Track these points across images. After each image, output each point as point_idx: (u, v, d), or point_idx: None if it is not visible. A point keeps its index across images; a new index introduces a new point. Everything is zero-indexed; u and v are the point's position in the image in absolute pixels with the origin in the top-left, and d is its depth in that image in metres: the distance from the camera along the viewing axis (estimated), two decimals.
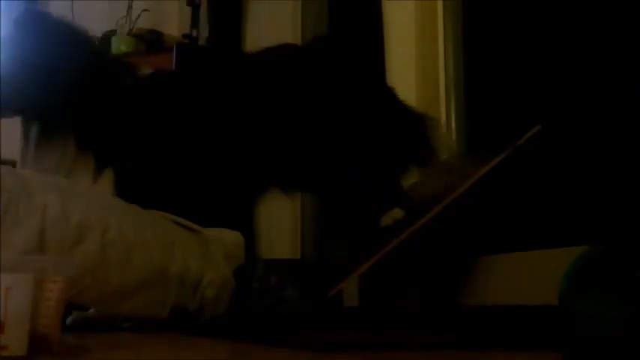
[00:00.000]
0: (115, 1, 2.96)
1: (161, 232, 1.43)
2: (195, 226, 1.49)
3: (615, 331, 0.70)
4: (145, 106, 1.74)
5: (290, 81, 1.76)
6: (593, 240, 0.78)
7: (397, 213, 1.70)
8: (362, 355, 1.00)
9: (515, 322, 1.42)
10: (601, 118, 1.52)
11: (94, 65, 1.77)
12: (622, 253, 0.74)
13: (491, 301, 1.58)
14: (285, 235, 2.49)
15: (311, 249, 2.46)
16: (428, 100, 2.09)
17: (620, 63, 1.51)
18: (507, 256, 1.57)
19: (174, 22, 2.99)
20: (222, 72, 1.80)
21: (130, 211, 1.43)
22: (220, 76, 1.80)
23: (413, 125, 1.78)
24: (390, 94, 1.81)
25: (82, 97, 1.68)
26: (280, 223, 2.39)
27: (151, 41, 2.86)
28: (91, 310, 1.43)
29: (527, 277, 1.50)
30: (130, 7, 2.95)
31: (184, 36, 2.82)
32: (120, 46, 2.81)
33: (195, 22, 2.81)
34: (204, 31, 2.83)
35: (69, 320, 1.37)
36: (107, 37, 2.81)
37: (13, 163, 1.74)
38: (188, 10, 2.84)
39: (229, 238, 1.52)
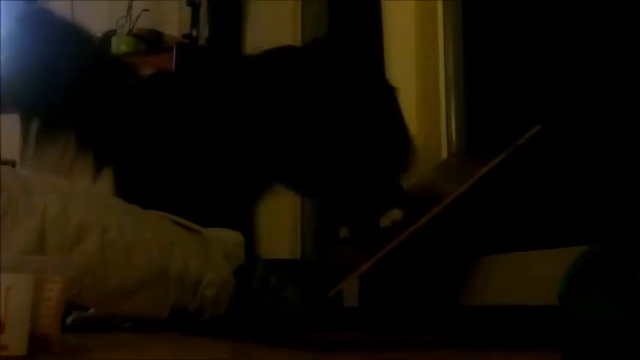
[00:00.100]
0: (114, 1, 2.96)
1: (161, 232, 1.43)
2: (195, 226, 1.49)
3: (615, 331, 0.70)
4: (146, 106, 1.74)
5: (290, 82, 1.76)
6: (593, 240, 0.78)
7: (396, 214, 1.70)
8: (362, 355, 1.00)
9: (515, 322, 1.42)
10: (601, 118, 1.52)
11: (96, 64, 1.77)
12: (622, 253, 0.74)
13: (491, 301, 1.58)
14: (285, 235, 2.49)
15: (311, 249, 2.46)
16: (428, 100, 2.10)
17: (620, 63, 1.51)
18: (507, 256, 1.57)
19: (174, 22, 2.99)
20: (223, 73, 1.80)
21: (129, 211, 1.43)
22: (221, 76, 1.80)
23: (401, 129, 1.79)
24: (390, 95, 1.81)
25: (84, 95, 1.68)
26: (280, 223, 2.39)
27: (150, 41, 2.86)
28: (91, 310, 1.43)
29: (527, 277, 1.50)
30: (129, 7, 2.95)
31: (184, 36, 2.82)
32: (120, 46, 2.81)
33: (195, 22, 2.81)
34: (204, 31, 2.83)
35: (69, 320, 1.37)
36: (107, 37, 2.81)
37: (12, 163, 1.74)
38: (188, 10, 2.84)
39: (229, 238, 1.52)
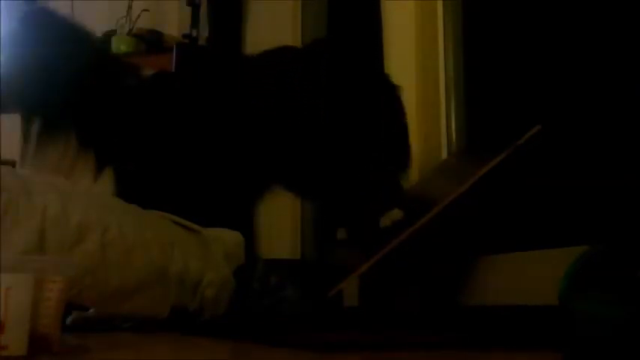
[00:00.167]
0: (114, 1, 2.96)
1: (161, 233, 1.43)
2: (195, 226, 1.49)
3: (615, 331, 0.70)
4: (147, 106, 1.74)
5: (290, 83, 1.76)
6: (593, 240, 0.78)
7: (396, 214, 1.70)
8: (362, 355, 1.00)
9: (515, 322, 1.42)
10: (601, 119, 1.52)
11: (97, 65, 1.77)
12: (622, 253, 0.74)
13: (491, 301, 1.58)
14: (285, 235, 2.49)
15: (311, 249, 2.46)
16: (428, 100, 2.09)
17: (620, 63, 1.51)
18: (507, 256, 1.57)
19: (174, 22, 2.99)
20: (223, 74, 1.80)
21: (129, 211, 1.43)
22: (221, 77, 1.80)
23: (402, 129, 1.79)
24: (391, 94, 1.81)
25: (85, 95, 1.68)
26: (280, 223, 2.39)
27: (150, 41, 2.86)
28: (91, 310, 1.43)
29: (527, 277, 1.50)
30: (129, 7, 2.94)
31: (184, 36, 2.82)
32: (120, 46, 2.81)
33: (195, 22, 2.81)
34: (204, 31, 2.83)
35: (69, 320, 1.37)
36: (107, 37, 2.81)
37: (12, 163, 1.74)
38: (188, 10, 2.84)
39: (229, 238, 1.52)
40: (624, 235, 0.75)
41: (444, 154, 2.04)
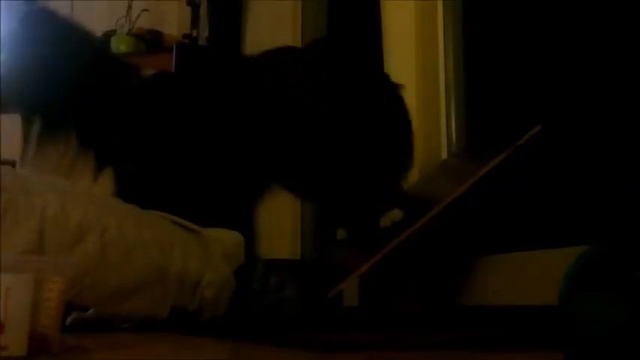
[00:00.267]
0: (114, 1, 2.96)
1: (161, 233, 1.42)
2: (195, 227, 1.49)
3: (615, 331, 0.70)
4: (148, 106, 1.74)
5: (290, 83, 1.76)
6: (593, 240, 0.78)
7: (396, 214, 1.70)
8: (362, 355, 1.00)
9: (515, 322, 1.42)
10: (601, 119, 1.52)
11: (98, 65, 1.77)
12: (622, 253, 0.74)
13: (491, 302, 1.58)
14: (285, 235, 2.49)
15: (311, 249, 2.46)
16: (428, 100, 2.09)
17: (620, 63, 1.51)
18: (507, 256, 1.57)
19: (174, 22, 2.99)
20: (224, 74, 1.80)
21: (129, 211, 1.43)
22: (221, 78, 1.80)
23: (404, 128, 1.79)
24: (392, 93, 1.81)
25: (86, 95, 1.68)
26: (280, 223, 2.39)
27: (150, 41, 2.86)
28: (91, 311, 1.43)
29: (527, 277, 1.50)
30: (129, 7, 2.95)
31: (184, 36, 2.82)
32: (119, 46, 2.81)
33: (195, 22, 2.82)
34: (204, 31, 2.83)
35: (68, 321, 1.37)
36: (107, 37, 2.81)
37: (12, 163, 1.73)
38: (188, 10, 2.84)
39: (229, 238, 1.51)
40: (624, 235, 0.74)
41: (444, 154, 2.04)
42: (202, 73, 1.87)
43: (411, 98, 1.90)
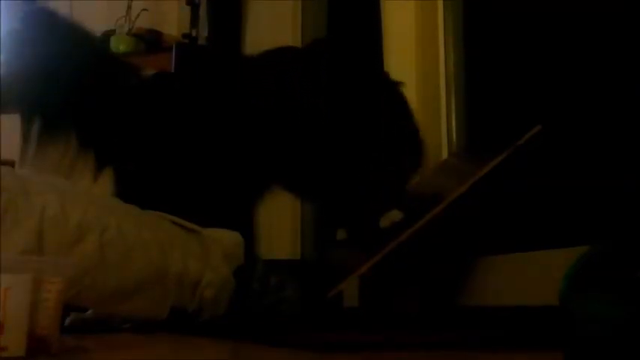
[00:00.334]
0: (114, 1, 2.96)
1: (160, 233, 1.42)
2: (195, 227, 1.48)
3: (615, 331, 0.69)
4: (148, 106, 1.74)
5: (290, 83, 1.76)
6: (594, 240, 0.78)
7: (396, 215, 1.69)
8: (362, 355, 0.99)
9: (515, 322, 1.41)
10: (601, 119, 1.51)
11: (98, 64, 1.77)
12: (622, 253, 0.74)
13: (491, 302, 1.58)
14: (285, 235, 2.49)
15: (311, 249, 2.46)
16: (428, 99, 2.09)
17: (620, 63, 1.50)
18: (507, 256, 1.57)
19: (173, 22, 2.99)
20: (224, 74, 1.80)
21: (129, 211, 1.43)
22: (221, 78, 1.79)
23: (408, 126, 1.78)
24: (393, 91, 1.80)
25: (86, 95, 1.68)
26: (280, 223, 2.39)
27: (150, 41, 2.86)
28: (90, 311, 1.43)
29: (527, 277, 1.50)
30: (129, 7, 2.95)
31: (184, 36, 2.82)
32: (119, 45, 2.81)
33: (194, 21, 2.82)
34: (203, 31, 2.83)
35: (67, 321, 1.37)
36: (106, 36, 2.81)
37: (12, 163, 1.73)
38: (187, 9, 2.84)
39: (229, 238, 1.51)
40: (624, 235, 0.74)
41: (444, 154, 2.04)
42: (202, 73, 1.87)
43: (411, 98, 1.90)
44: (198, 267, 1.42)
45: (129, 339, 1.29)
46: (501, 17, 1.91)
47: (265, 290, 1.52)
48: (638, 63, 1.45)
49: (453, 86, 2.10)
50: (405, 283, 1.69)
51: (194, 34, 2.81)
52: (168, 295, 1.39)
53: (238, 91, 1.78)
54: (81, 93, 1.68)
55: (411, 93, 1.92)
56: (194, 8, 2.83)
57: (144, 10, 2.95)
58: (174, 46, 2.61)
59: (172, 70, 2.47)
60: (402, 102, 1.80)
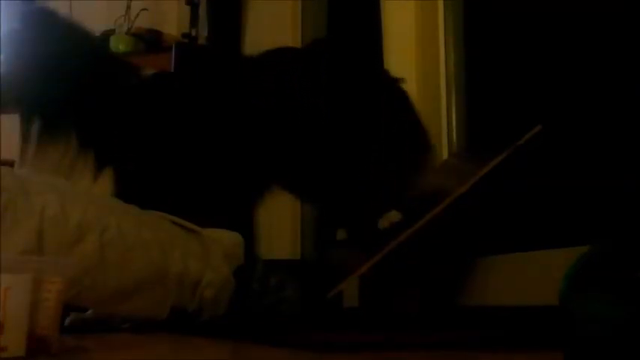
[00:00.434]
0: (113, 1, 2.96)
1: (160, 233, 1.42)
2: (195, 227, 1.48)
3: (615, 331, 0.69)
4: (148, 106, 1.74)
5: (290, 83, 1.76)
6: (594, 240, 0.78)
7: (394, 215, 1.69)
8: (362, 355, 0.99)
9: (515, 322, 1.41)
10: (602, 119, 1.51)
11: (98, 64, 1.77)
12: (622, 253, 0.74)
13: (491, 302, 1.58)
14: (285, 235, 2.49)
15: (311, 249, 2.46)
16: (428, 99, 2.09)
17: (620, 63, 1.50)
18: (507, 256, 1.57)
19: (173, 22, 2.99)
20: (223, 74, 1.80)
21: (129, 211, 1.43)
22: (221, 78, 1.79)
23: (412, 118, 1.78)
24: (394, 89, 1.80)
25: (86, 95, 1.68)
26: (280, 223, 2.39)
27: (149, 40, 2.86)
28: (90, 311, 1.43)
29: (527, 277, 1.50)
30: (128, 7, 2.95)
31: (183, 35, 2.82)
32: (118, 45, 2.81)
33: (194, 21, 2.81)
34: (203, 31, 2.83)
35: (67, 321, 1.37)
36: (106, 36, 2.81)
37: (11, 164, 1.73)
38: (187, 9, 2.84)
39: (229, 238, 1.51)
40: (624, 235, 0.74)
41: (444, 154, 2.04)
42: (202, 73, 1.87)
43: (411, 98, 1.90)
44: (198, 267, 1.42)
45: (129, 339, 1.29)
46: (501, 17, 1.91)
47: (265, 290, 1.52)
48: (638, 63, 1.45)
49: (453, 86, 2.10)
50: (405, 283, 1.69)
51: (194, 33, 2.81)
52: (168, 295, 1.39)
53: (238, 90, 1.78)
54: (81, 93, 1.68)
55: (411, 93, 1.92)
56: (194, 8, 2.83)
57: (143, 9, 2.95)
58: (173, 45, 2.61)
59: (172, 70, 2.47)
60: (402, 99, 1.80)
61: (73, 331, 1.31)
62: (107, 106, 1.70)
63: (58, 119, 1.67)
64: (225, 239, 1.50)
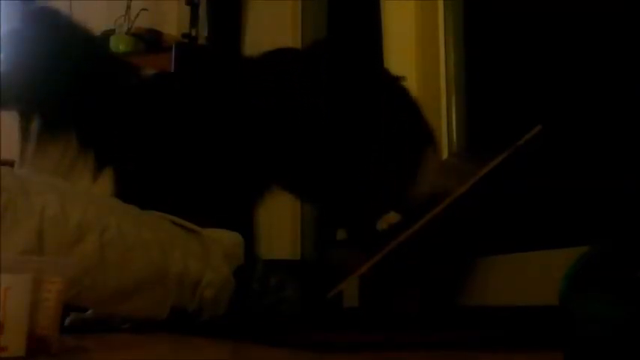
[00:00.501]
0: (113, 1, 2.96)
1: (161, 233, 1.42)
2: (195, 227, 1.48)
3: (615, 331, 0.69)
4: (148, 106, 1.74)
5: (290, 84, 1.76)
6: (594, 240, 0.78)
7: (393, 217, 1.70)
8: (362, 355, 0.99)
9: (515, 322, 1.41)
10: (601, 119, 1.51)
11: (100, 64, 1.77)
12: (622, 253, 0.74)
13: (491, 302, 1.58)
14: (285, 235, 2.49)
15: (311, 249, 2.46)
16: (428, 99, 2.09)
17: (621, 63, 1.50)
18: (507, 256, 1.57)
19: (173, 22, 2.99)
20: (223, 74, 1.80)
21: (129, 211, 1.43)
22: (222, 78, 1.80)
23: (413, 114, 1.78)
24: (394, 86, 1.80)
25: (87, 94, 1.68)
26: (280, 223, 2.39)
27: (149, 41, 2.86)
28: (90, 311, 1.43)
29: (527, 277, 1.50)
30: (128, 7, 2.95)
31: (183, 35, 2.82)
32: (119, 45, 2.81)
33: (194, 21, 2.81)
34: (203, 31, 2.83)
35: (67, 321, 1.37)
36: (106, 36, 2.81)
37: (11, 164, 1.73)
38: (187, 9, 2.84)
39: (229, 238, 1.51)
40: (624, 235, 0.74)
41: (444, 154, 2.04)
42: (202, 73, 1.87)
43: None
44: (198, 267, 1.42)
45: (129, 339, 1.29)
46: (501, 17, 1.91)
47: (265, 290, 1.52)
48: (638, 63, 1.45)
49: (453, 86, 2.10)
50: (405, 283, 1.69)
51: (194, 33, 2.81)
52: (168, 295, 1.39)
53: (238, 91, 1.78)
54: (81, 92, 1.68)
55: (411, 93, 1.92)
56: (194, 8, 2.83)
57: (143, 9, 2.95)
58: (173, 45, 2.61)
59: (172, 70, 2.47)
60: (402, 97, 1.80)
61: (73, 331, 1.31)
62: (108, 105, 1.70)
63: (58, 118, 1.67)
64: (225, 239, 1.50)
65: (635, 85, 1.44)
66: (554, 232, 1.50)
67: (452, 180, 1.65)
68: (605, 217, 1.40)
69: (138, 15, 2.93)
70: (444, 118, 2.09)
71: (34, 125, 1.65)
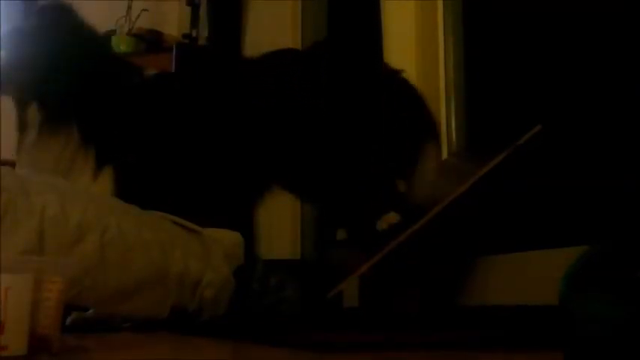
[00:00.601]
0: (114, 1, 2.96)
1: (161, 233, 1.42)
2: (195, 227, 1.48)
3: (615, 331, 0.69)
4: (149, 106, 1.74)
5: (290, 84, 1.76)
6: (594, 240, 0.78)
7: (392, 217, 1.70)
8: (362, 355, 1.00)
9: (515, 322, 1.41)
10: (601, 119, 1.51)
11: (104, 62, 1.77)
12: (622, 253, 0.74)
13: (491, 302, 1.58)
14: (285, 235, 2.49)
15: (311, 249, 2.46)
16: (428, 100, 2.09)
17: (620, 63, 1.50)
18: (507, 256, 1.57)
19: (173, 22, 2.99)
20: (225, 75, 1.80)
21: (129, 211, 1.43)
22: (222, 79, 1.80)
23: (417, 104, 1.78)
24: (392, 84, 1.81)
25: (90, 91, 1.68)
26: (280, 223, 2.39)
27: (150, 41, 2.86)
28: (90, 311, 1.43)
29: (527, 277, 1.50)
30: (129, 7, 2.95)
31: (184, 36, 2.82)
32: (119, 45, 2.82)
33: (194, 21, 2.82)
34: (203, 31, 2.83)
35: (68, 321, 1.37)
36: (107, 36, 2.81)
37: (11, 164, 1.73)
38: (188, 9, 2.84)
39: (229, 238, 1.51)
40: (624, 235, 0.74)
41: (444, 154, 2.04)
42: (202, 74, 1.87)
43: None
44: (198, 267, 1.42)
45: (129, 339, 1.29)
46: (501, 17, 1.92)
47: (265, 290, 1.52)
48: (638, 63, 1.45)
49: (452, 86, 2.10)
50: (405, 283, 1.69)
51: (194, 34, 2.81)
52: (168, 295, 1.39)
53: (239, 91, 1.78)
54: (85, 88, 1.68)
55: None
56: (194, 8, 2.83)
57: (144, 10, 2.95)
58: (174, 46, 2.61)
59: (173, 71, 2.47)
60: (403, 89, 1.80)
61: (74, 330, 1.31)
62: (109, 103, 1.70)
63: (60, 110, 1.67)
64: (226, 239, 1.50)
65: (635, 85, 1.44)
66: (554, 232, 1.50)
67: (452, 180, 1.65)
68: (605, 217, 1.40)
69: (139, 15, 2.93)
70: (443, 118, 2.09)
71: (35, 117, 1.65)
